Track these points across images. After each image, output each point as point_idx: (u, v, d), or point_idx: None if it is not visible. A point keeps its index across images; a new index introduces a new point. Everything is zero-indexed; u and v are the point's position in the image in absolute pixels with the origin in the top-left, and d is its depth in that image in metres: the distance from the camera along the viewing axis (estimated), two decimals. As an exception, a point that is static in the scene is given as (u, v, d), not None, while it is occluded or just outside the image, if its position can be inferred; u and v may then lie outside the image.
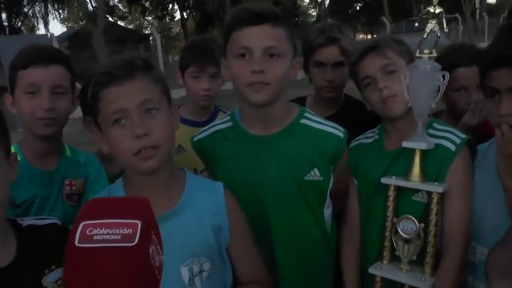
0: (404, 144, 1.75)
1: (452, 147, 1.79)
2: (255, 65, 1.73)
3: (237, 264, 1.70)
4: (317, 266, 1.99)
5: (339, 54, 2.46)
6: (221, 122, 2.03)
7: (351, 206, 2.05)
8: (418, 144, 1.73)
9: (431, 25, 1.64)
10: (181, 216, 1.60)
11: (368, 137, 2.06)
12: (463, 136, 1.81)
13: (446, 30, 1.64)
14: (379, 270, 1.80)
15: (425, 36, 1.65)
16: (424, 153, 1.75)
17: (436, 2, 1.67)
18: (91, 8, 31.56)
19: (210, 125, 2.07)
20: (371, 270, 1.80)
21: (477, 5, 38.66)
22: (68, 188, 2.08)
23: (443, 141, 1.80)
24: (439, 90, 1.71)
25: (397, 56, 1.86)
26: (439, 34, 1.64)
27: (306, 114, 1.95)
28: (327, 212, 1.98)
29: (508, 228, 1.58)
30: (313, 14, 62.79)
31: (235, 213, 1.69)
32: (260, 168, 1.87)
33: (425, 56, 1.66)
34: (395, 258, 1.81)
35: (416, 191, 1.81)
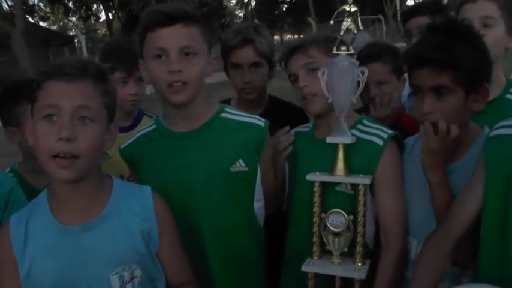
0: (328, 140, 1.78)
1: (380, 142, 1.86)
2: (172, 65, 1.74)
3: (167, 268, 1.69)
4: (248, 259, 2.00)
5: (255, 55, 2.46)
6: (146, 127, 2.04)
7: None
8: (341, 139, 1.77)
9: (347, 23, 1.69)
10: (107, 223, 1.57)
11: (306, 127, 2.15)
12: (390, 132, 1.89)
13: (361, 28, 1.69)
14: (312, 267, 1.81)
15: (341, 34, 1.69)
16: (352, 148, 1.79)
17: (351, 1, 1.71)
18: (7, 7, 30.22)
19: (136, 132, 2.06)
20: (304, 268, 1.81)
21: (398, 7, 40.17)
22: None
23: (372, 137, 1.88)
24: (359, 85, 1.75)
25: (323, 54, 1.89)
26: (355, 32, 1.69)
27: (226, 109, 1.99)
28: (257, 204, 1.98)
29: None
30: (240, 15, 63.16)
31: (164, 217, 1.67)
32: (185, 163, 1.87)
33: (343, 53, 1.70)
34: (325, 253, 1.82)
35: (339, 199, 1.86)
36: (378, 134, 1.89)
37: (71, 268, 1.52)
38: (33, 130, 1.50)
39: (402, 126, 2.32)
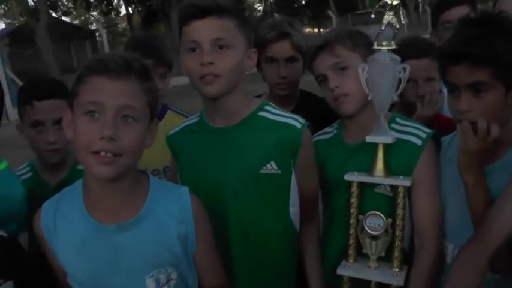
0: (368, 139, 1.72)
1: (418, 142, 1.79)
2: (203, 57, 1.71)
3: (202, 271, 1.67)
4: (276, 262, 1.93)
5: (291, 49, 2.42)
6: (192, 118, 2.03)
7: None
8: (382, 138, 1.71)
9: (389, 17, 1.63)
10: (144, 224, 1.53)
11: (326, 133, 2.04)
12: (428, 131, 1.82)
13: (404, 22, 1.64)
14: (347, 270, 1.76)
15: (383, 28, 1.62)
16: (389, 148, 1.73)
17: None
18: (32, 3, 30.50)
19: (184, 121, 2.06)
20: (339, 271, 1.76)
21: (420, -1, 39.65)
22: None
23: (409, 137, 1.81)
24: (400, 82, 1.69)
25: (350, 51, 1.83)
26: (397, 26, 1.64)
27: (266, 107, 1.90)
28: (292, 209, 1.91)
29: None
30: (259, 8, 62.86)
31: (202, 219, 1.63)
32: (218, 160, 1.84)
33: (384, 48, 1.64)
34: (360, 256, 1.77)
35: (379, 202, 1.80)
36: (416, 133, 1.82)
37: (104, 267, 1.51)
38: (71, 124, 1.48)
39: (436, 126, 2.22)
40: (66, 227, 1.54)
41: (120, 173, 1.45)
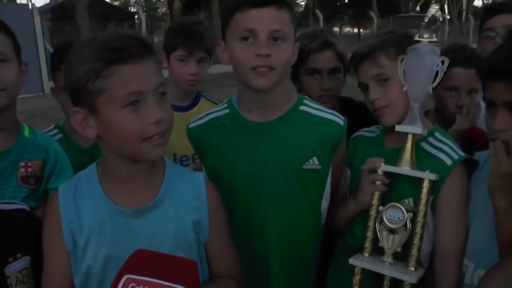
0: (397, 128, 1.69)
1: (448, 161, 1.72)
2: (261, 49, 1.67)
3: (213, 259, 1.64)
4: (307, 256, 1.95)
5: (335, 60, 2.35)
6: (218, 110, 1.97)
7: (341, 195, 1.99)
8: (411, 128, 1.67)
9: (434, 10, 1.57)
10: (161, 209, 1.52)
11: (371, 131, 2.01)
12: (462, 154, 1.74)
13: (448, 16, 1.56)
14: (360, 262, 1.72)
15: (426, 20, 1.58)
16: (419, 161, 1.69)
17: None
18: (75, -18, 31.03)
19: (206, 112, 2.00)
20: (351, 261, 1.73)
21: (464, 7, 38.96)
22: (23, 170, 1.92)
23: (441, 154, 1.74)
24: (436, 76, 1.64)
25: (393, 62, 1.76)
26: (440, 19, 1.57)
27: (305, 101, 1.90)
28: (325, 204, 1.92)
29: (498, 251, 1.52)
30: (302, 3, 62.60)
31: (216, 207, 1.61)
32: (257, 155, 1.82)
33: (425, 40, 1.60)
34: (377, 252, 1.73)
35: (403, 197, 1.75)
36: (449, 152, 1.74)
37: (120, 250, 1.46)
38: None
39: (471, 139, 2.19)
40: (85, 209, 1.51)
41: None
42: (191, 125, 1.98)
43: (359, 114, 2.06)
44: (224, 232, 1.65)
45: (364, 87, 1.86)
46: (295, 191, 1.83)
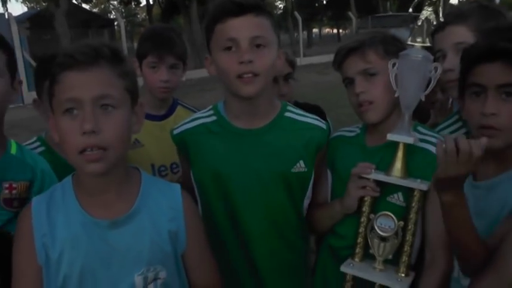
0: (389, 136, 1.66)
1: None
2: (243, 56, 1.70)
3: (192, 270, 1.63)
4: (296, 259, 1.99)
5: (287, 66, 2.60)
6: (203, 116, 1.97)
7: (323, 196, 2.00)
8: (403, 137, 1.65)
9: (427, 12, 1.55)
10: (136, 220, 1.49)
11: (351, 131, 2.01)
12: None
13: (441, 19, 1.56)
14: (352, 269, 1.71)
15: (419, 23, 1.56)
16: (407, 155, 1.67)
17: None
18: (53, -12, 30.75)
19: (192, 117, 2.00)
20: (343, 268, 1.72)
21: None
22: (6, 192, 1.76)
23: (428, 145, 1.73)
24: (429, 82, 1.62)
25: (381, 58, 1.75)
26: (434, 22, 1.56)
27: (289, 107, 1.95)
28: (306, 202, 1.97)
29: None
30: (280, 6, 62.73)
31: (193, 218, 1.61)
32: (248, 161, 1.84)
33: (418, 45, 1.58)
34: (367, 256, 1.73)
35: (391, 191, 1.74)
36: (435, 142, 1.72)
37: (95, 263, 1.46)
38: (56, 126, 1.42)
39: None
40: (59, 222, 1.48)
41: (110, 167, 1.41)
42: (176, 130, 1.98)
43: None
44: (202, 242, 1.64)
45: (348, 82, 1.86)
46: (283, 194, 1.88)
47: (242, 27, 1.71)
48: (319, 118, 1.97)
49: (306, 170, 1.88)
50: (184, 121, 2.00)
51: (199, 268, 1.64)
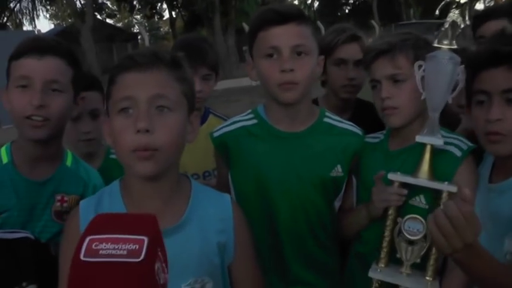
0: (418, 138, 1.66)
1: (458, 153, 1.74)
2: (284, 64, 1.74)
3: (238, 282, 1.58)
4: (332, 263, 2.02)
5: (360, 52, 2.40)
6: (244, 119, 2.00)
7: (350, 202, 2.02)
8: (432, 139, 1.64)
9: (454, 15, 1.55)
10: (186, 231, 1.45)
11: (375, 137, 2.02)
12: (470, 144, 1.76)
13: (468, 22, 1.55)
14: (379, 274, 1.69)
15: (446, 26, 1.56)
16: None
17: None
18: (79, 5, 31.35)
19: (231, 120, 2.02)
20: (370, 274, 1.71)
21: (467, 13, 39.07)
22: (58, 204, 1.77)
23: (450, 147, 1.74)
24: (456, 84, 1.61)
25: (411, 64, 1.73)
26: (461, 25, 1.55)
27: (327, 114, 1.99)
28: (337, 204, 2.00)
29: None
30: (302, 16, 62.87)
31: (242, 230, 1.57)
32: (290, 163, 1.87)
33: (445, 47, 1.58)
34: (392, 261, 1.71)
35: (413, 194, 1.73)
36: (458, 144, 1.76)
37: None
38: (110, 127, 1.40)
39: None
40: None
41: (161, 169, 1.37)
42: (216, 133, 1.99)
43: (372, 113, 2.08)
44: (249, 255, 1.60)
45: (374, 85, 1.86)
46: (320, 196, 1.91)
47: (284, 36, 1.75)
48: (354, 125, 2.00)
49: (342, 174, 1.92)
50: (223, 125, 2.02)
51: (245, 282, 1.60)
